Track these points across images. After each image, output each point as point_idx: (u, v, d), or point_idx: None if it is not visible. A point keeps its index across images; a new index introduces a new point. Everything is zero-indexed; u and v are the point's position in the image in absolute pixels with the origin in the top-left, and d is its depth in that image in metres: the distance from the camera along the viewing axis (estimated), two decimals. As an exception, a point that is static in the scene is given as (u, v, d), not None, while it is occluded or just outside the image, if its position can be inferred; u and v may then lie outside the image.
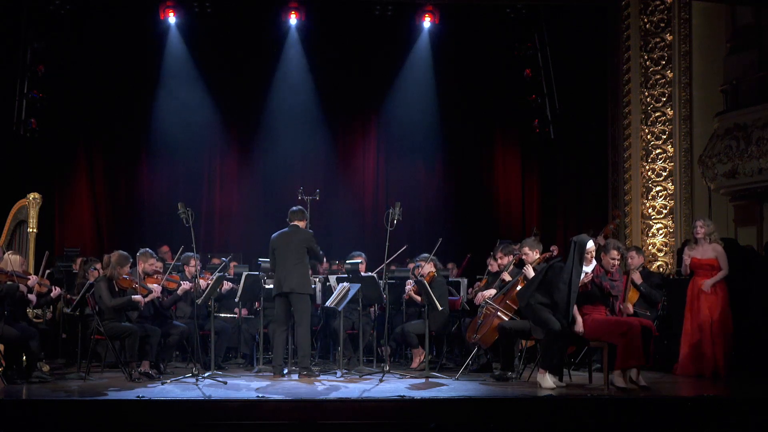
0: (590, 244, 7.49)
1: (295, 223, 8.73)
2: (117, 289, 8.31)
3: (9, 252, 8.39)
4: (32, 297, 8.27)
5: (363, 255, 9.89)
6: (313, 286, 9.67)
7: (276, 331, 8.61)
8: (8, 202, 9.38)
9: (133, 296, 8.25)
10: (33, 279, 8.11)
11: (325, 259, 9.92)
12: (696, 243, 8.71)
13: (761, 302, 8.90)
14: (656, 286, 9.09)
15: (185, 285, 8.82)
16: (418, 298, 9.25)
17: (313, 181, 12.26)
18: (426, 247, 9.95)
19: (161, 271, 8.83)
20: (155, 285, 8.53)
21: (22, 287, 7.98)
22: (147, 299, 8.41)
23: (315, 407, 6.59)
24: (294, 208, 8.87)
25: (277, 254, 8.63)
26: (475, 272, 10.31)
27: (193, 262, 9.18)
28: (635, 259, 9.05)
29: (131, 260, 8.47)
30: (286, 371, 8.54)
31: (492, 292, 8.63)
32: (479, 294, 8.75)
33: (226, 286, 9.35)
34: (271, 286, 9.03)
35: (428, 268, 9.23)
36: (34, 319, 9.15)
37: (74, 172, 12.85)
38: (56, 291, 8.55)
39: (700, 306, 8.57)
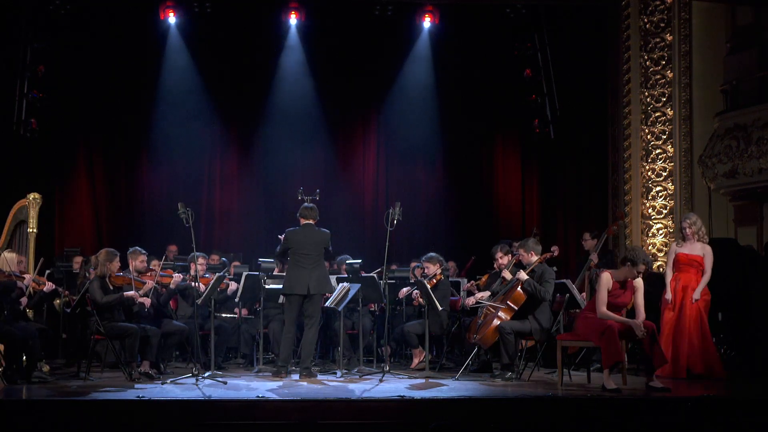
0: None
1: (310, 221, 8.59)
2: (112, 287, 8.29)
3: (6, 250, 8.38)
4: (23, 300, 8.24)
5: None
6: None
7: (288, 330, 8.44)
8: (8, 202, 9.37)
9: (125, 293, 8.23)
10: (28, 278, 8.10)
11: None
12: (684, 240, 8.58)
13: (761, 302, 8.88)
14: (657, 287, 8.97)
15: (177, 277, 8.76)
16: (421, 300, 9.23)
17: (313, 181, 12.23)
18: (424, 248, 9.94)
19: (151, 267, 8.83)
20: (150, 281, 8.53)
21: (20, 284, 7.97)
22: (143, 291, 8.39)
23: (315, 407, 6.58)
24: (307, 204, 8.70)
25: (294, 252, 8.48)
26: (479, 274, 10.28)
27: (201, 261, 9.19)
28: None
29: (118, 255, 8.44)
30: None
31: (486, 294, 8.63)
32: (472, 297, 8.75)
33: (232, 287, 9.29)
34: (272, 286, 9.00)
35: (434, 269, 9.18)
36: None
37: (74, 172, 12.84)
38: (49, 285, 8.49)
39: (683, 305, 8.38)
